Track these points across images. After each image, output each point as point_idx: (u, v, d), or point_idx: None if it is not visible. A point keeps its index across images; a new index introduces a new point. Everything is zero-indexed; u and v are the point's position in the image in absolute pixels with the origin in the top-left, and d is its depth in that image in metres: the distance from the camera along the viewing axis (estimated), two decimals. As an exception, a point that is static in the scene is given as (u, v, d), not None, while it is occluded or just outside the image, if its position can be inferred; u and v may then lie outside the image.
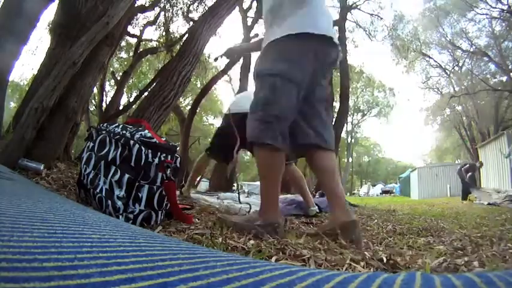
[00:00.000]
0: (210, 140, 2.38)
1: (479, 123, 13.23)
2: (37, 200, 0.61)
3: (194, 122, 9.18)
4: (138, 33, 7.99)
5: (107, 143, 1.07)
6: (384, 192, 24.48)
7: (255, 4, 8.82)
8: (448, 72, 14.57)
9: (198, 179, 2.52)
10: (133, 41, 8.38)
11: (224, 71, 6.23)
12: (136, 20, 7.36)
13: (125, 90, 8.71)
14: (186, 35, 4.57)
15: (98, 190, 1.01)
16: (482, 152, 10.71)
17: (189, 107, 10.50)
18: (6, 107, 2.10)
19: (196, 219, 1.17)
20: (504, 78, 12.70)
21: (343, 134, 14.70)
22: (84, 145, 1.24)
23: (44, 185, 1.33)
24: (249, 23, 8.71)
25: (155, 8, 7.44)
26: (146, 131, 1.03)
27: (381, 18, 9.76)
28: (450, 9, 12.66)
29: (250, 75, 8.14)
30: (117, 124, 1.17)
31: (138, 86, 10.35)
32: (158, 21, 7.79)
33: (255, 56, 1.67)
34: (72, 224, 0.38)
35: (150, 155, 0.98)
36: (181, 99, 11.17)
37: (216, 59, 1.64)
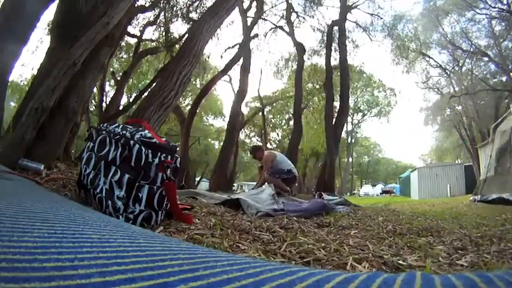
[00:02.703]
0: None
1: (479, 123, 13.21)
2: (37, 200, 0.61)
3: (194, 122, 9.20)
4: (138, 34, 7.99)
5: (107, 143, 1.07)
6: (384, 192, 24.50)
7: (254, 4, 8.83)
8: (448, 72, 14.56)
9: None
10: (134, 41, 8.38)
11: (224, 71, 6.23)
12: (137, 20, 7.36)
13: (124, 90, 8.70)
14: (186, 35, 4.57)
15: (98, 190, 1.01)
16: (482, 152, 10.71)
17: (189, 107, 10.52)
18: (6, 107, 2.10)
19: (197, 220, 1.17)
20: (504, 78, 12.69)
21: (343, 134, 14.68)
22: (84, 145, 1.24)
23: (44, 185, 1.33)
24: (249, 24, 8.71)
25: (155, 8, 7.44)
26: (146, 131, 1.03)
27: (381, 18, 9.77)
28: (450, 9, 12.64)
29: (250, 76, 8.13)
30: (117, 124, 1.17)
31: (138, 86, 10.34)
32: (158, 21, 7.78)
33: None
34: (72, 224, 0.38)
35: (150, 155, 0.98)
36: (181, 99, 11.18)
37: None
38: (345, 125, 10.97)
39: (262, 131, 13.60)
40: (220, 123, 19.15)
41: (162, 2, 7.23)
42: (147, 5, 7.14)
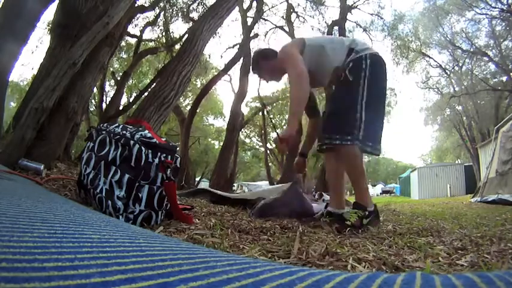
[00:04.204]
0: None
1: (479, 123, 13.21)
2: (37, 200, 0.61)
3: (194, 122, 9.20)
4: (138, 33, 8.00)
5: (107, 143, 1.07)
6: (384, 192, 24.51)
7: (255, 4, 8.83)
8: (448, 72, 14.55)
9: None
10: (134, 41, 8.38)
11: (224, 71, 6.22)
12: (137, 20, 7.37)
13: (124, 90, 8.70)
14: (186, 35, 4.57)
15: (98, 190, 1.01)
16: (482, 152, 10.72)
17: (189, 107, 10.52)
18: (6, 107, 2.10)
19: (197, 220, 1.17)
20: (504, 78, 12.68)
21: (343, 134, 14.57)
22: (84, 145, 1.24)
23: (44, 185, 1.33)
24: (249, 23, 8.71)
25: (155, 9, 7.44)
26: (146, 131, 1.03)
27: (381, 18, 9.76)
28: (450, 9, 12.64)
29: (250, 76, 8.14)
30: (117, 124, 1.17)
31: (138, 86, 10.35)
32: (158, 21, 7.79)
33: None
34: (72, 224, 0.38)
35: (150, 155, 0.98)
36: (181, 99, 11.18)
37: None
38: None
39: (262, 131, 13.60)
40: (220, 123, 19.15)
41: (162, 2, 7.23)
42: (147, 5, 7.14)
